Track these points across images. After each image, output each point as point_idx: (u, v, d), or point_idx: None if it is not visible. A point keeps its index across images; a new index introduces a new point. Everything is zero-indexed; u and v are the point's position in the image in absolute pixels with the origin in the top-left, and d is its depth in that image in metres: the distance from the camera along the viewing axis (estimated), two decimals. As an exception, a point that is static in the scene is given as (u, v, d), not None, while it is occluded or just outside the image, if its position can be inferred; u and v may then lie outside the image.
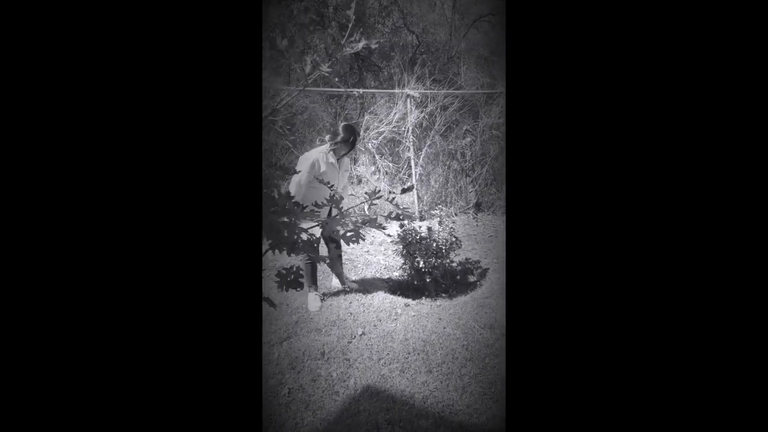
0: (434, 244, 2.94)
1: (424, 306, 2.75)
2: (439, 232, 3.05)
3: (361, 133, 4.40)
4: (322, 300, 2.81)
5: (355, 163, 2.89)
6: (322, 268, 3.21)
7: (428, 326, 2.46)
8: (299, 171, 2.46)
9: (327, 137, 2.72)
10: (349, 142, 2.63)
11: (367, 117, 4.43)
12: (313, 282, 2.83)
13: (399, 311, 2.66)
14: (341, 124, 2.67)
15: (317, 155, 2.62)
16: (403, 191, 3.26)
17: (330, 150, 2.63)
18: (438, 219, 3.15)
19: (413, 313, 2.62)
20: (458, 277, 3.23)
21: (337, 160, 2.68)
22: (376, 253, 3.77)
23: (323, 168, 2.62)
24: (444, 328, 2.45)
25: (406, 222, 3.11)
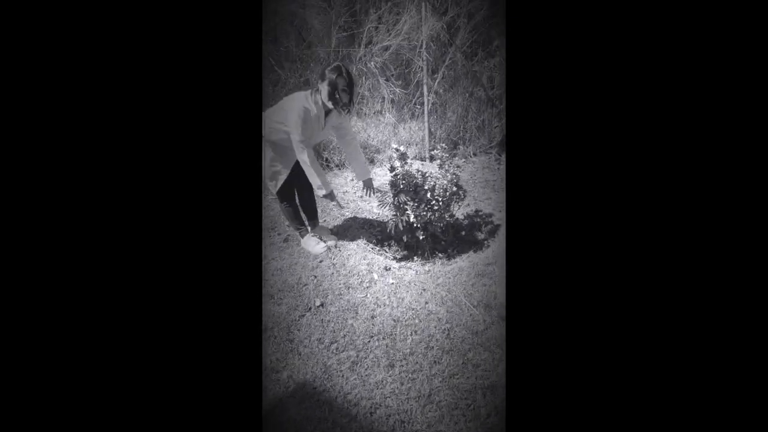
0: (428, 194, 2.31)
1: (409, 270, 2.21)
2: (437, 179, 2.39)
3: (361, 49, 3.58)
4: (325, 239, 2.45)
5: (349, 113, 2.24)
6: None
7: (406, 299, 1.94)
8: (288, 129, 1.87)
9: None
10: (332, 93, 2.00)
11: (369, 26, 3.56)
12: (300, 223, 2.48)
13: (376, 276, 2.14)
14: (329, 69, 2.00)
15: (303, 104, 2.03)
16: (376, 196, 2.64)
17: (312, 96, 2.04)
18: (438, 161, 2.47)
19: (392, 281, 2.10)
20: (464, 233, 2.62)
21: (325, 115, 2.12)
22: (370, 200, 3.19)
23: (306, 126, 2.03)
24: (426, 303, 1.91)
25: (398, 165, 2.46)
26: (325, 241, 2.43)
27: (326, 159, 3.58)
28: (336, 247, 2.44)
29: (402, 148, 2.47)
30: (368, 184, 2.45)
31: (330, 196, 2.24)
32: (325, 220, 2.76)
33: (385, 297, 1.96)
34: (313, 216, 2.55)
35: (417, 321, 1.80)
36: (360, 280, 2.11)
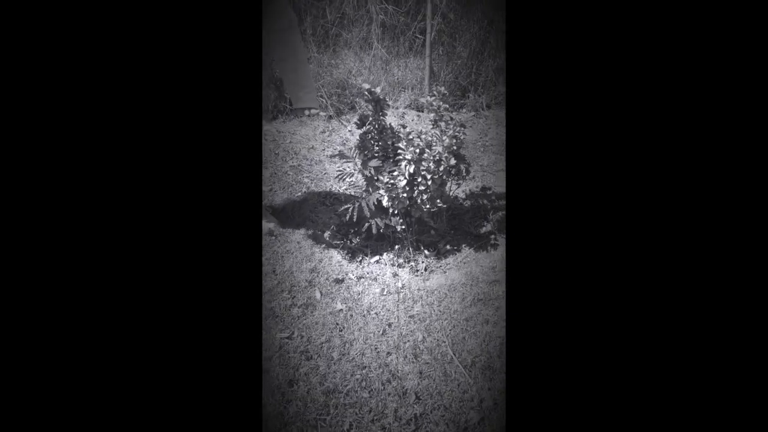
0: (411, 166, 1.46)
1: (372, 285, 1.43)
2: (432, 139, 1.53)
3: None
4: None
5: None
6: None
7: (356, 344, 1.18)
8: None
9: None
10: None
11: None
12: None
13: (318, 296, 1.36)
14: None
15: None
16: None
17: None
18: (433, 110, 1.59)
19: (340, 307, 1.33)
20: (467, 221, 1.82)
21: None
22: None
23: None
24: (388, 354, 1.16)
25: (370, 111, 1.59)
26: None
27: (290, 101, 2.69)
28: (273, 235, 1.65)
29: (378, 90, 1.59)
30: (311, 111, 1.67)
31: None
32: (263, 198, 1.95)
33: (323, 339, 1.21)
34: None
35: (366, 394, 1.06)
36: (292, 300, 1.34)
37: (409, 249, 1.64)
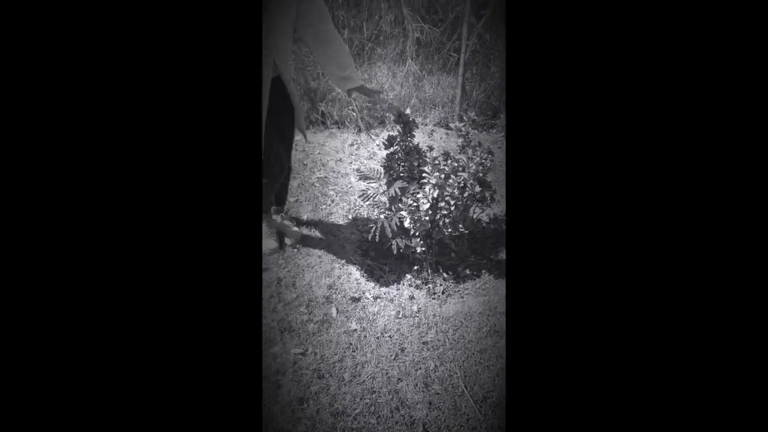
0: (435, 191, 1.46)
1: (388, 306, 1.44)
2: (458, 164, 1.53)
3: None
4: (281, 239, 1.69)
5: None
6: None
7: (368, 367, 1.19)
8: None
9: None
10: None
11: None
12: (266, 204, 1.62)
13: (334, 313, 1.38)
14: None
15: None
16: (400, 124, 1.61)
17: None
18: (461, 135, 1.59)
19: (355, 326, 1.34)
20: (488, 246, 1.80)
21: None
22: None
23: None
24: (398, 381, 1.16)
25: (398, 132, 1.61)
26: (278, 240, 1.68)
27: (322, 113, 2.75)
28: (295, 248, 1.69)
29: (408, 111, 1.61)
30: (363, 92, 1.53)
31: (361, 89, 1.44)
32: (289, 209, 2.00)
33: (335, 358, 1.22)
34: (281, 200, 1.80)
35: (374, 420, 1.06)
36: (309, 315, 1.37)
37: (428, 270, 1.64)
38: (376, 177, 1.62)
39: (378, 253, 1.70)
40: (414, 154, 1.64)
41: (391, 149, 1.64)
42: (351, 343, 1.27)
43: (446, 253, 1.71)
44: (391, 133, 1.65)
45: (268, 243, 1.65)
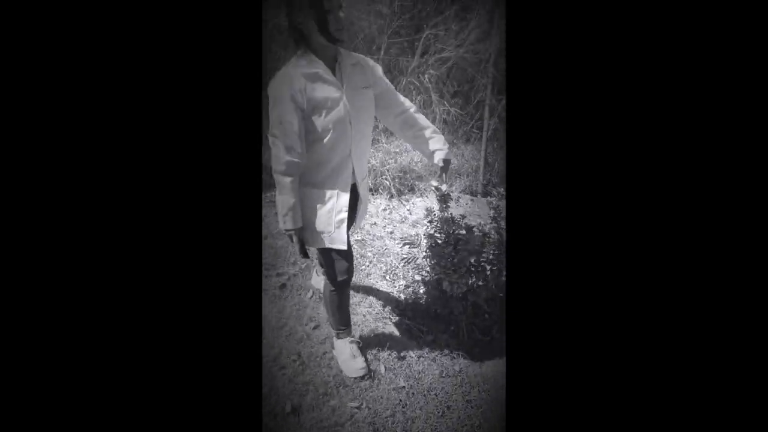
0: (472, 258, 1.64)
1: (432, 365, 1.55)
2: (491, 233, 1.72)
3: (416, 59, 3.01)
4: (361, 354, 1.51)
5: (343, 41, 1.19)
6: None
7: (418, 422, 1.28)
8: (273, 133, 1.25)
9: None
10: (316, 20, 1.08)
11: (427, 32, 2.98)
12: (345, 321, 1.52)
13: (383, 370, 1.50)
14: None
15: (292, 79, 1.13)
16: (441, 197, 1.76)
17: (303, 56, 1.14)
18: (493, 208, 1.80)
19: (403, 383, 1.45)
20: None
21: (335, 67, 1.20)
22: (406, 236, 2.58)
23: (315, 98, 1.15)
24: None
25: (437, 206, 1.83)
26: (362, 355, 1.51)
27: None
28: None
29: (444, 188, 1.84)
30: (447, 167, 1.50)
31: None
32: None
33: (387, 413, 1.33)
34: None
35: (428, 473, 1.14)
36: (358, 371, 1.49)
37: (463, 331, 1.76)
38: (417, 243, 1.81)
39: (415, 314, 1.84)
40: (450, 223, 1.84)
41: (431, 218, 1.84)
42: (401, 400, 1.37)
43: (480, 315, 1.83)
44: (428, 206, 1.87)
45: (357, 365, 1.46)
